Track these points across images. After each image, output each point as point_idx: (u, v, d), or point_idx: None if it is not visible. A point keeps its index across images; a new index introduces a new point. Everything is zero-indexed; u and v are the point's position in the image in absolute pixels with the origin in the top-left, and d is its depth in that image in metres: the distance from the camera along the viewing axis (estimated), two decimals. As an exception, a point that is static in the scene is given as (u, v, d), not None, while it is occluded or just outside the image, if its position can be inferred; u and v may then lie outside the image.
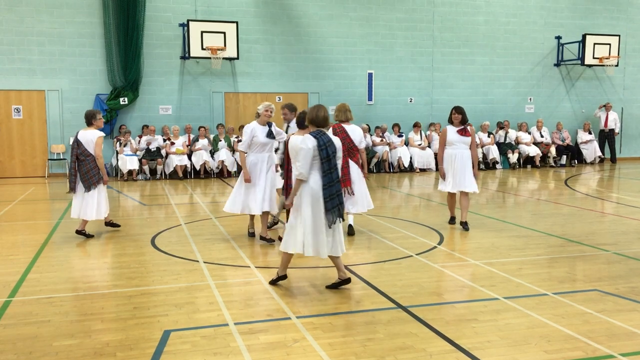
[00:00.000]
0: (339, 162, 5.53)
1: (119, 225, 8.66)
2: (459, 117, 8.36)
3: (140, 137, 15.87)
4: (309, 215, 5.38)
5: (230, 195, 7.80)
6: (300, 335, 4.47)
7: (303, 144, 5.37)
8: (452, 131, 8.43)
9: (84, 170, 7.97)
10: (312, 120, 5.56)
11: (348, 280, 5.63)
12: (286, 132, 8.08)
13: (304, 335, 4.47)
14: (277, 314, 4.94)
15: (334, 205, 5.40)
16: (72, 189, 8.08)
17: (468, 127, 8.42)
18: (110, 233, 8.41)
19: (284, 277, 5.77)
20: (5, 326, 4.71)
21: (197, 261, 6.76)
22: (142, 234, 8.32)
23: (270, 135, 7.56)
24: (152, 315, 4.96)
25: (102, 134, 8.16)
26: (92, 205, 8.00)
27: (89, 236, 8.08)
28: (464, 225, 8.41)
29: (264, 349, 4.21)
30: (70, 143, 15.79)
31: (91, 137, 8.01)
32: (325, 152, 5.35)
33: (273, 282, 5.78)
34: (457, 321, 4.76)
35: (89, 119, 8.13)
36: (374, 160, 16.75)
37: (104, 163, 8.13)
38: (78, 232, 8.10)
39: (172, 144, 15.63)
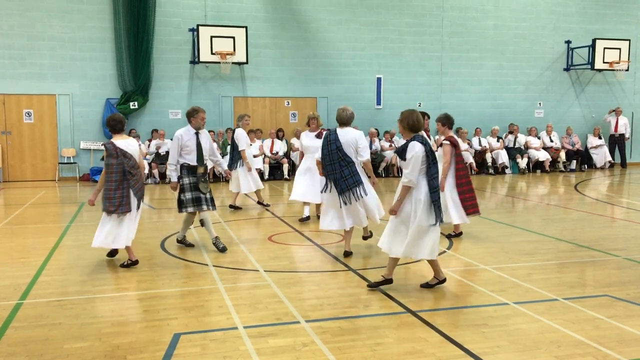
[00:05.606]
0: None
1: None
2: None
3: (150, 141, 15.96)
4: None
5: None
6: (309, 339, 4.48)
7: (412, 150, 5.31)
8: None
9: None
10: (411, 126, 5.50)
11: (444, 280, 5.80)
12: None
13: (313, 339, 4.47)
14: (286, 318, 4.95)
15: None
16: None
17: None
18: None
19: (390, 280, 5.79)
20: (16, 328, 4.75)
21: (207, 265, 6.79)
22: (152, 238, 8.35)
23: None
24: (162, 318, 4.99)
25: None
26: None
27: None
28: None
29: (273, 353, 4.22)
30: (85, 146, 16.07)
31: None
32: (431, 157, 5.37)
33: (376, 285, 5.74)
34: (467, 326, 4.75)
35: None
36: (383, 164, 16.75)
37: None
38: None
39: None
